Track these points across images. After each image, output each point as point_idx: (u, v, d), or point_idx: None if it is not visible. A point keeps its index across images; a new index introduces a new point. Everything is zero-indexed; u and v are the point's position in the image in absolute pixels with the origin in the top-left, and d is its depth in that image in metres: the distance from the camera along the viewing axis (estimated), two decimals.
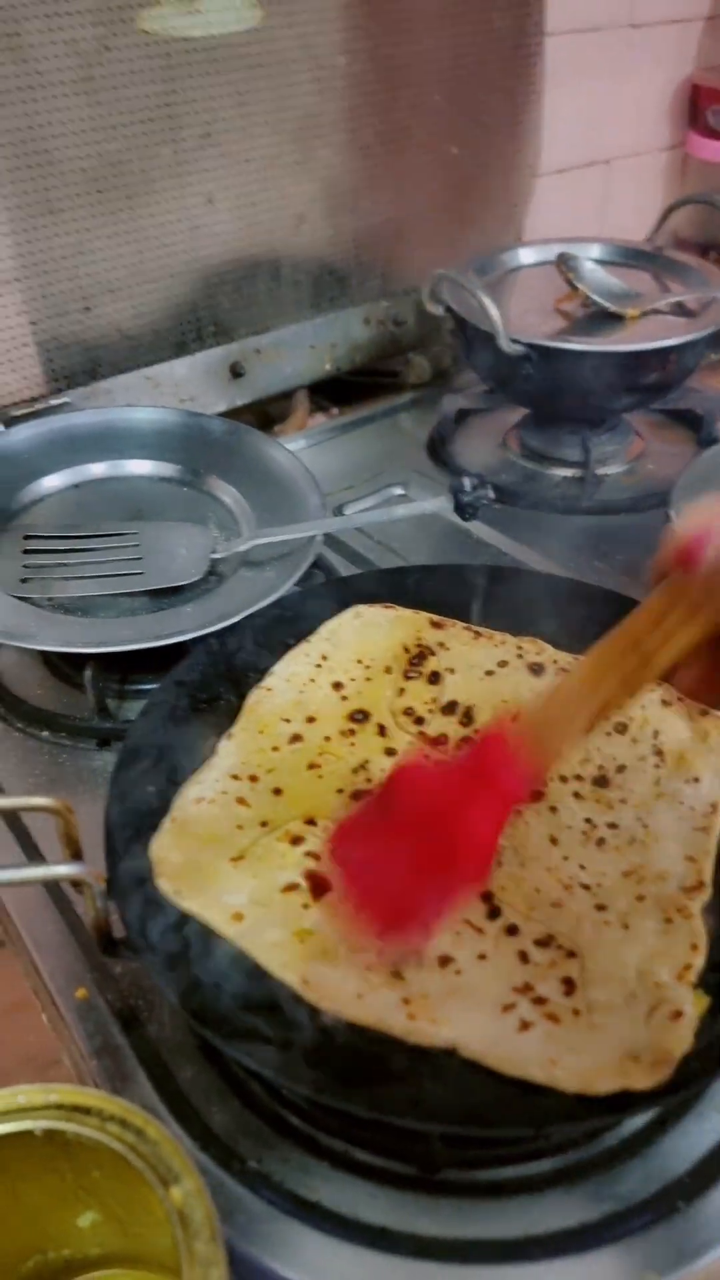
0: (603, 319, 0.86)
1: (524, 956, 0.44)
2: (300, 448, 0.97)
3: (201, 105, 0.86)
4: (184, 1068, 0.45)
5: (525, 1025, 0.41)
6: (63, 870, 0.41)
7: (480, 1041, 0.41)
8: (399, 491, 0.89)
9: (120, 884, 0.45)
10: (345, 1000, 0.42)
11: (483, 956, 0.44)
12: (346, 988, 0.43)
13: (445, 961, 0.44)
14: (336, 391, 1.08)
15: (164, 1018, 0.47)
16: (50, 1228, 0.40)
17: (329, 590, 0.65)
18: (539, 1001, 0.42)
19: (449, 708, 0.56)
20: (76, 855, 0.43)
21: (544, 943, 0.44)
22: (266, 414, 1.06)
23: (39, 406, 0.86)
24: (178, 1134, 0.43)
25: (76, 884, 0.42)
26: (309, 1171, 0.43)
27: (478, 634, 0.60)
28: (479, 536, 0.83)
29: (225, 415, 0.97)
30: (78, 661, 0.66)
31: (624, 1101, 0.38)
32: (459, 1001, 0.42)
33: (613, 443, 0.91)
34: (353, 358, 1.04)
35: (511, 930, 0.45)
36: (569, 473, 0.90)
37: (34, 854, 0.57)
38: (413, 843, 0.40)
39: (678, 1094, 0.38)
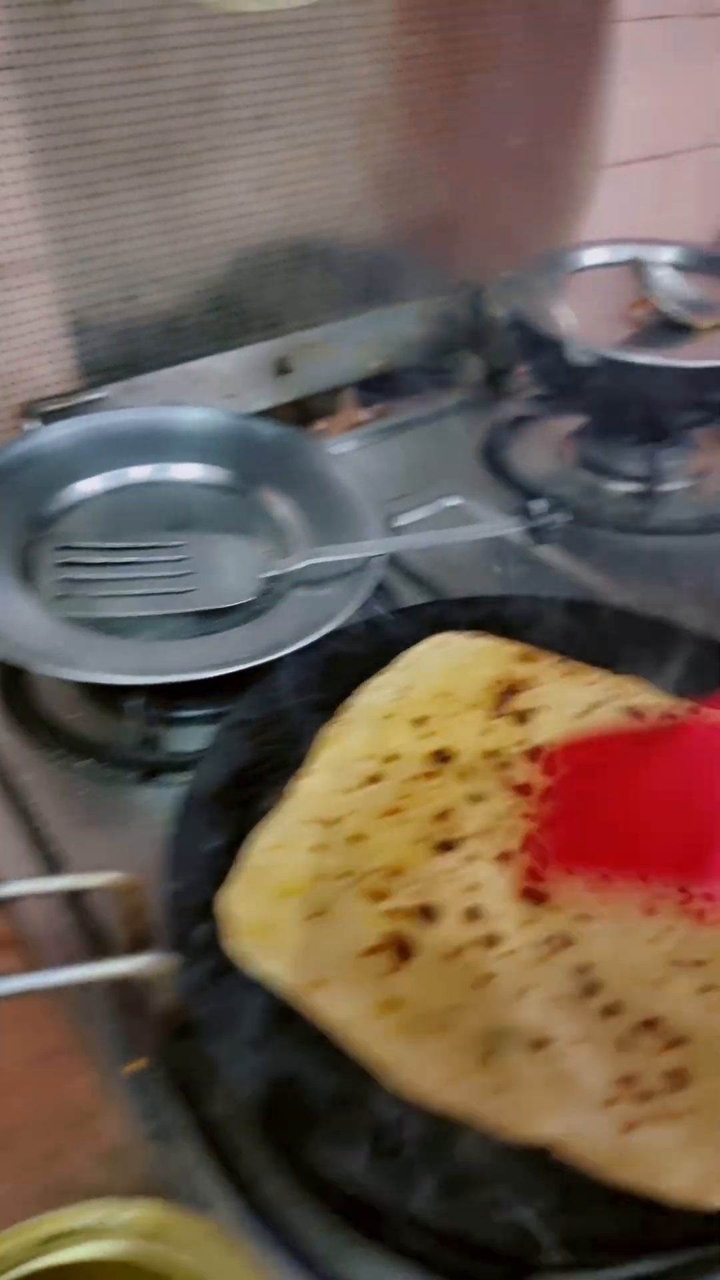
0: (672, 329, 0.82)
1: (626, 1042, 0.40)
2: (347, 450, 0.93)
3: (257, 85, 0.81)
4: (249, 1153, 0.42)
5: (630, 1125, 0.38)
6: (132, 965, 0.37)
7: (580, 1141, 0.37)
8: (454, 502, 0.84)
9: (182, 956, 0.41)
10: (432, 1087, 0.39)
11: (581, 1040, 0.41)
12: (433, 1073, 0.40)
13: (540, 1044, 0.41)
14: (382, 387, 1.03)
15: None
16: None
17: (402, 616, 0.61)
18: (644, 1096, 0.39)
19: (538, 752, 0.53)
20: (142, 937, 0.39)
21: (647, 1026, 0.41)
22: (307, 409, 1.02)
23: (74, 401, 0.81)
24: (248, 1231, 0.39)
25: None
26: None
27: (571, 670, 0.56)
28: (537, 554, 0.79)
29: (268, 411, 0.93)
30: (123, 688, 0.62)
31: None
32: (557, 1092, 0.39)
33: (675, 457, 0.87)
34: (403, 355, 0.99)
35: (611, 1010, 0.42)
36: (630, 487, 0.86)
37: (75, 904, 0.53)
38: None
39: None
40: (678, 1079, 0.39)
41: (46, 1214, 0.41)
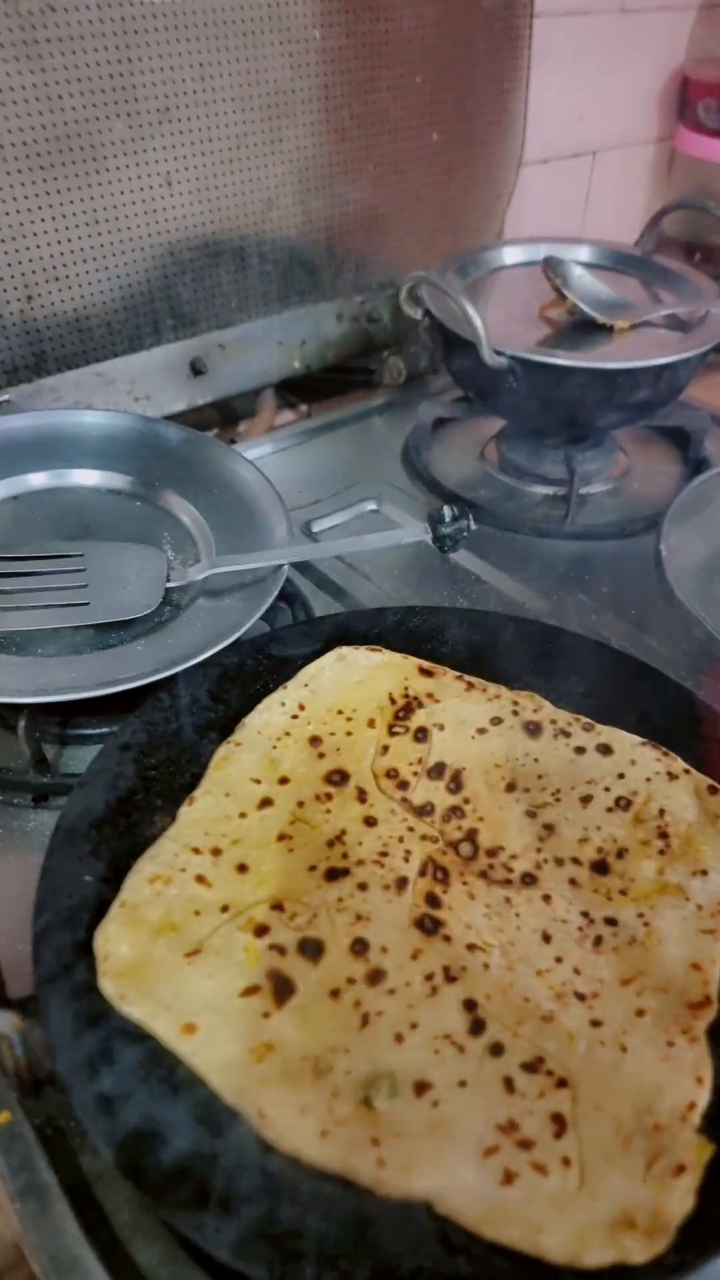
0: (590, 329, 0.81)
1: (510, 1084, 0.39)
2: (266, 453, 0.90)
3: (160, 77, 0.78)
4: (122, 1210, 0.39)
5: (509, 1177, 0.36)
6: None
7: (459, 1196, 0.35)
8: (371, 507, 0.83)
9: (48, 1001, 0.38)
10: (306, 1139, 0.37)
11: (464, 1083, 0.39)
12: (308, 1123, 0.37)
13: (422, 1089, 0.39)
14: (306, 387, 1.01)
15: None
16: None
17: (302, 630, 0.59)
18: (525, 1145, 0.37)
19: (436, 770, 0.51)
20: None
21: (532, 1067, 0.39)
22: (231, 410, 0.99)
23: None
24: None
25: None
26: None
27: (470, 685, 0.55)
28: (456, 561, 0.77)
29: (186, 414, 0.90)
30: (11, 706, 0.59)
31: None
32: (436, 1142, 0.37)
33: (597, 460, 0.86)
34: (324, 355, 0.97)
35: (496, 1050, 0.40)
36: (550, 490, 0.84)
37: None
38: None
39: (677, 1274, 0.33)
40: (558, 1125, 0.37)
41: None
